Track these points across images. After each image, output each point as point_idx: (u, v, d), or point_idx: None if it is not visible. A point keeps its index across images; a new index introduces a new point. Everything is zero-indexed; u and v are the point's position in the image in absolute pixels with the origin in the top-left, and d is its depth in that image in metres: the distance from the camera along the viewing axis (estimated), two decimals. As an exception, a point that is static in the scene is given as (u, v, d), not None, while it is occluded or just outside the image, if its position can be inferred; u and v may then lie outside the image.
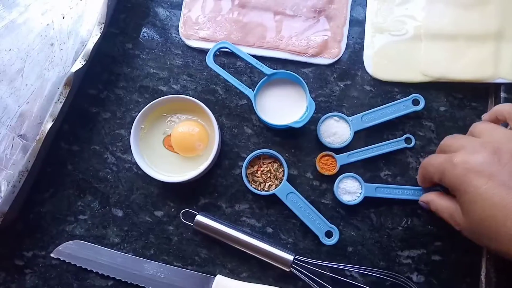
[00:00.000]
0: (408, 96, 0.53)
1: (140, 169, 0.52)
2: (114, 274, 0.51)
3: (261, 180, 0.52)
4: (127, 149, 0.55)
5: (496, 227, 0.37)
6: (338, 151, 0.53)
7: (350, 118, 0.52)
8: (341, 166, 0.52)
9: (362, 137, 0.53)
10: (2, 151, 0.55)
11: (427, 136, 0.53)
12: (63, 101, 0.51)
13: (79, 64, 0.52)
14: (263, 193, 0.51)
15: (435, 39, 0.54)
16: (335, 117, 0.53)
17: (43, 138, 0.50)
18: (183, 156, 0.53)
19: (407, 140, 0.53)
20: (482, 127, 0.44)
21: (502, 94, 0.52)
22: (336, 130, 0.52)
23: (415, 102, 0.53)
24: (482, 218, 0.38)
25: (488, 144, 0.40)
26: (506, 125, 0.45)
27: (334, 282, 0.48)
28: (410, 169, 0.53)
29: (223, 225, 0.51)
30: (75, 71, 0.51)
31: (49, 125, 0.51)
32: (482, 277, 0.50)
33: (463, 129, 0.53)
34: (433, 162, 0.45)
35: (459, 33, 0.54)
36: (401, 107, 0.53)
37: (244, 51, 0.53)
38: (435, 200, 0.46)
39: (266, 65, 0.52)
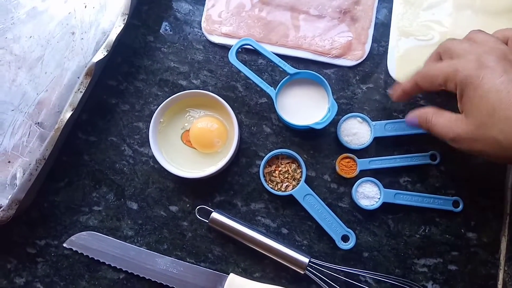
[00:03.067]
0: (433, 102, 0.53)
1: (157, 163, 0.51)
2: (126, 267, 0.51)
3: (279, 180, 0.52)
4: (145, 142, 0.54)
5: (507, 120, 0.36)
6: (355, 152, 0.52)
7: (374, 123, 0.52)
8: (360, 171, 0.52)
9: (381, 144, 0.53)
10: (19, 139, 0.55)
11: (449, 145, 0.52)
12: (83, 90, 0.51)
13: (101, 54, 0.51)
14: (280, 193, 0.51)
15: (462, 45, 0.53)
16: (358, 118, 0.52)
17: (62, 127, 0.50)
18: (201, 152, 0.52)
19: (432, 157, 0.52)
20: (486, 37, 0.42)
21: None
22: (357, 131, 0.52)
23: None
24: (494, 110, 0.36)
25: (497, 50, 0.39)
26: None
27: (348, 287, 0.48)
28: (431, 177, 0.52)
29: (238, 224, 0.50)
30: (96, 61, 0.51)
31: (68, 114, 0.50)
32: (499, 289, 0.49)
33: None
34: (438, 66, 0.42)
35: (487, 40, 0.53)
36: None
37: (267, 49, 0.52)
38: (432, 113, 0.44)
39: (288, 64, 0.52)
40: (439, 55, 0.45)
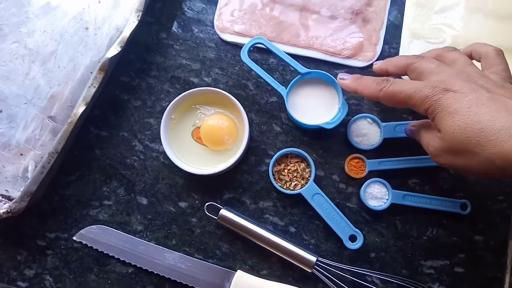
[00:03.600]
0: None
1: (167, 158, 0.52)
2: (135, 262, 0.51)
3: (287, 179, 0.52)
4: (155, 138, 0.55)
5: (484, 131, 0.35)
6: (364, 153, 0.52)
7: (384, 124, 0.52)
8: (369, 172, 0.52)
9: (390, 145, 0.53)
10: (32, 132, 0.55)
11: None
12: (96, 86, 0.51)
13: (114, 50, 0.52)
14: (289, 192, 0.51)
15: (473, 49, 0.53)
16: (368, 119, 0.52)
17: (75, 121, 0.50)
18: (211, 149, 0.53)
19: None
20: (456, 56, 0.43)
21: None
22: (367, 131, 0.52)
23: None
24: (467, 125, 0.36)
25: (463, 74, 0.40)
26: None
27: (355, 286, 0.48)
28: (439, 179, 0.52)
29: (247, 221, 0.51)
30: (110, 57, 0.51)
31: (81, 108, 0.51)
32: (505, 292, 0.49)
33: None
34: (403, 86, 0.41)
35: (498, 44, 0.52)
36: None
37: (278, 48, 0.53)
38: (419, 127, 0.45)
39: (300, 64, 0.52)
40: (406, 68, 0.44)
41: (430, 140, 0.41)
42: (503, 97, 0.37)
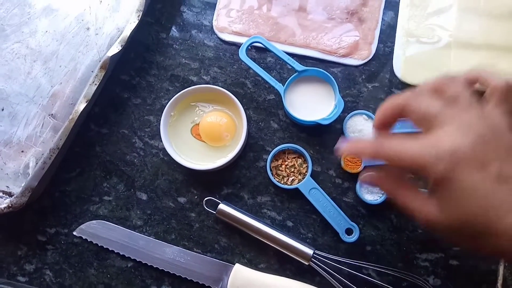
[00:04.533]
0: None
1: (166, 155, 0.53)
2: (135, 256, 0.52)
3: (285, 174, 0.53)
4: (155, 135, 0.56)
5: (487, 223, 0.31)
6: (360, 151, 0.53)
7: (378, 119, 0.53)
8: (365, 167, 0.53)
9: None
10: (33, 129, 0.56)
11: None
12: (97, 83, 0.53)
13: (115, 48, 0.53)
14: (286, 186, 0.52)
15: (466, 48, 0.55)
16: (364, 116, 0.54)
17: (76, 118, 0.51)
18: (210, 146, 0.54)
19: None
20: (459, 90, 0.34)
21: (529, 106, 0.53)
22: (363, 128, 0.53)
23: None
24: (470, 214, 0.31)
25: (470, 124, 0.32)
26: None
27: (351, 279, 0.49)
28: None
29: (245, 215, 0.51)
30: (111, 56, 0.53)
31: (82, 105, 0.52)
32: (499, 284, 0.50)
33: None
34: (407, 148, 0.33)
35: (491, 43, 0.55)
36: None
37: (276, 47, 0.54)
38: (398, 183, 0.36)
39: (296, 62, 0.53)
40: (400, 108, 0.36)
41: (424, 206, 0.34)
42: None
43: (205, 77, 0.58)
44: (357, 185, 0.52)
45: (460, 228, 0.32)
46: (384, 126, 0.39)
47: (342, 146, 0.38)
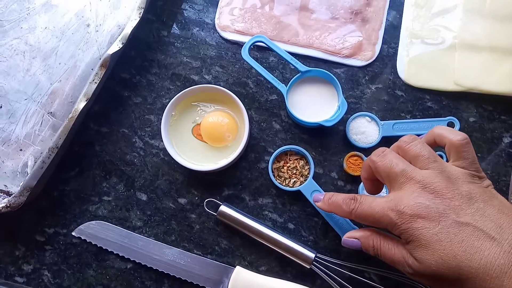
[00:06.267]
0: (439, 104, 0.54)
1: (167, 155, 0.52)
2: (134, 257, 0.51)
3: (287, 176, 0.52)
4: (156, 135, 0.55)
5: (458, 269, 0.34)
6: (363, 151, 0.53)
7: (382, 122, 0.53)
8: (368, 168, 0.52)
9: (388, 143, 0.52)
10: (32, 127, 0.55)
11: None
12: (98, 81, 0.52)
13: (116, 46, 0.52)
14: (288, 188, 0.51)
15: (471, 50, 0.54)
16: (367, 117, 0.53)
17: (75, 117, 0.51)
18: (211, 146, 0.53)
19: None
20: (418, 150, 0.39)
21: (534, 110, 0.53)
22: (366, 130, 0.53)
23: (450, 125, 0.53)
24: (444, 262, 0.35)
25: (428, 186, 0.37)
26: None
27: (352, 282, 0.48)
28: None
29: (246, 217, 0.51)
30: (111, 53, 0.52)
31: (82, 104, 0.51)
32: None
33: (491, 141, 0.53)
34: (373, 212, 0.39)
35: (495, 45, 0.54)
36: (435, 126, 0.52)
37: (279, 46, 0.53)
38: (380, 242, 0.40)
39: (300, 62, 0.53)
40: (371, 167, 0.42)
41: (405, 259, 0.38)
42: (473, 229, 0.35)
43: (206, 76, 0.57)
44: (360, 188, 0.52)
45: (435, 276, 0.36)
46: (369, 181, 0.44)
47: (318, 199, 0.45)
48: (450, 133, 0.40)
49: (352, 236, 0.43)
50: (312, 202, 0.51)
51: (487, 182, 0.38)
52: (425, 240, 0.36)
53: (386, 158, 0.40)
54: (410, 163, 0.39)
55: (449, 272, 0.35)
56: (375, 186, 0.44)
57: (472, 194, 0.36)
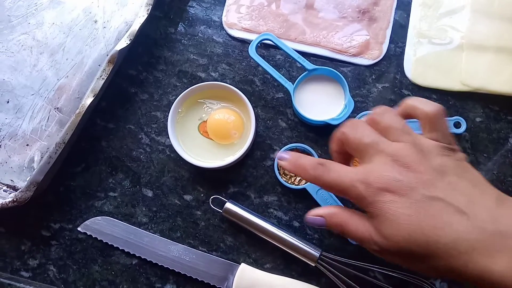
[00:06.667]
0: (446, 104, 0.54)
1: (173, 152, 0.52)
2: (140, 253, 0.51)
3: (292, 174, 0.52)
4: (162, 131, 0.55)
5: (430, 244, 0.33)
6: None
7: (389, 120, 0.52)
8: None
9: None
10: (38, 122, 0.56)
11: (461, 146, 0.53)
12: (105, 78, 0.52)
13: (124, 43, 0.52)
14: (294, 186, 0.51)
15: (478, 50, 0.54)
16: (374, 117, 0.53)
17: (82, 112, 0.51)
18: (217, 143, 0.53)
19: None
20: (389, 121, 0.37)
21: (541, 110, 0.53)
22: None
23: (457, 124, 0.52)
24: (411, 238, 0.33)
25: (399, 159, 0.35)
26: None
27: (357, 281, 0.48)
28: (442, 176, 0.53)
29: (252, 215, 0.51)
30: (119, 50, 0.52)
31: (89, 100, 0.51)
32: (506, 290, 0.50)
33: (497, 142, 0.53)
34: (341, 181, 0.36)
35: (503, 46, 0.54)
36: None
37: (286, 44, 0.53)
38: (346, 219, 0.38)
39: (307, 60, 0.53)
40: (341, 140, 0.39)
41: (371, 236, 0.35)
42: (443, 203, 0.33)
43: (213, 74, 0.57)
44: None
45: (402, 253, 0.34)
46: (339, 154, 0.41)
47: (283, 157, 0.41)
48: (423, 104, 0.38)
49: (316, 214, 0.39)
50: (317, 200, 0.51)
51: (461, 155, 0.37)
52: (392, 215, 0.34)
53: (357, 130, 0.38)
54: (382, 135, 0.37)
55: (417, 248, 0.33)
56: (345, 160, 0.41)
57: (444, 168, 0.35)
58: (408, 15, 0.57)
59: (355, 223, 0.37)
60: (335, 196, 0.51)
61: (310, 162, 0.39)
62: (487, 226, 0.32)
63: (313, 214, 0.39)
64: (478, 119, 0.54)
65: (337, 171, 0.37)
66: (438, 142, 0.36)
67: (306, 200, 0.52)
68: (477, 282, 0.33)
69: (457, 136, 0.53)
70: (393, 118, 0.37)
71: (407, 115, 0.39)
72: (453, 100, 0.54)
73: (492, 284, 0.32)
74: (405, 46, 0.56)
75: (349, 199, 0.37)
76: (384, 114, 0.38)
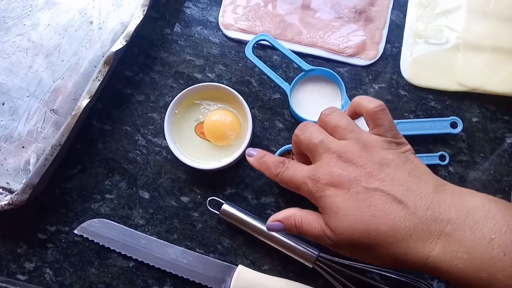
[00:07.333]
0: (443, 104, 0.54)
1: (170, 153, 0.52)
2: (137, 255, 0.51)
3: (290, 175, 0.52)
4: (158, 133, 0.55)
5: (370, 233, 0.35)
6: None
7: (385, 120, 0.52)
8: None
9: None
10: (34, 124, 0.55)
11: (458, 146, 0.53)
12: (101, 79, 0.52)
13: (119, 44, 0.52)
14: (291, 187, 0.51)
15: (474, 50, 0.54)
16: (371, 118, 0.53)
17: (78, 114, 0.50)
18: (214, 144, 0.53)
19: (441, 158, 0.53)
20: (335, 121, 0.40)
21: (537, 110, 0.53)
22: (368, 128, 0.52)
23: (453, 125, 0.52)
24: (354, 228, 0.35)
25: (343, 155, 0.38)
26: None
27: (355, 282, 0.48)
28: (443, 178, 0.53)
29: (249, 216, 0.51)
30: (115, 51, 0.52)
31: (85, 101, 0.51)
32: (503, 290, 0.50)
33: (494, 142, 0.53)
34: (295, 179, 0.40)
35: (499, 46, 0.54)
36: (438, 125, 0.52)
37: (282, 45, 0.53)
38: (301, 219, 0.40)
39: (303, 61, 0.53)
40: (295, 141, 0.43)
41: (324, 231, 0.38)
42: (380, 193, 0.35)
43: (209, 75, 0.57)
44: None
45: (349, 244, 0.36)
46: (299, 156, 0.44)
47: (251, 154, 0.45)
48: (366, 101, 0.40)
49: (274, 219, 0.42)
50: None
51: (406, 147, 0.39)
52: (336, 208, 0.36)
53: (307, 131, 0.41)
54: (330, 135, 0.40)
55: (361, 238, 0.35)
56: (305, 160, 0.43)
57: (384, 160, 0.37)
58: (404, 15, 0.57)
59: (310, 221, 0.39)
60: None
61: (272, 160, 0.42)
62: (422, 213, 0.34)
63: (272, 220, 0.42)
64: (474, 119, 0.54)
65: (293, 169, 0.40)
66: (381, 137, 0.39)
67: (303, 201, 0.52)
68: (418, 268, 0.34)
69: (454, 136, 0.53)
70: (339, 118, 0.40)
71: (355, 113, 0.42)
72: (450, 100, 0.54)
73: (430, 269, 0.34)
74: (401, 46, 0.56)
75: (304, 195, 0.40)
76: (331, 114, 0.41)
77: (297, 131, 0.42)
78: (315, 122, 0.50)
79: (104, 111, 0.56)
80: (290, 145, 0.52)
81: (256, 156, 0.45)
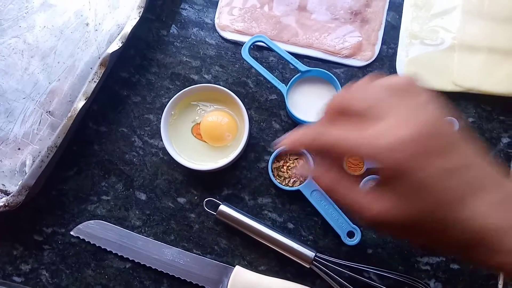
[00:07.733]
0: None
1: (166, 154, 0.52)
2: (133, 257, 0.51)
3: (286, 176, 0.52)
4: (155, 134, 0.55)
5: (444, 217, 0.29)
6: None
7: (382, 121, 0.53)
8: (367, 169, 0.52)
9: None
10: (30, 126, 0.55)
11: (454, 146, 0.54)
12: (97, 81, 0.52)
13: (115, 45, 0.52)
14: (288, 188, 0.51)
15: (470, 51, 0.55)
16: (367, 118, 0.53)
17: (74, 116, 0.50)
18: (210, 146, 0.53)
19: None
20: (407, 84, 0.33)
21: (532, 110, 0.53)
22: None
23: None
24: (427, 207, 0.29)
25: (419, 115, 0.31)
26: None
27: (352, 282, 0.49)
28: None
29: (246, 217, 0.51)
30: (111, 53, 0.52)
31: (81, 103, 0.51)
32: (500, 289, 0.50)
33: (489, 142, 0.53)
34: (355, 137, 0.30)
35: (494, 47, 0.54)
36: None
37: (279, 46, 0.53)
38: (342, 184, 0.33)
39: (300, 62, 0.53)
40: (347, 99, 0.33)
41: (373, 206, 0.31)
42: (465, 169, 0.30)
43: (206, 76, 0.57)
44: (360, 187, 0.52)
45: (414, 223, 0.30)
46: (331, 115, 0.34)
47: (280, 141, 0.36)
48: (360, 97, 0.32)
49: (302, 170, 0.36)
50: (312, 202, 0.51)
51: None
52: (417, 182, 0.29)
53: (367, 90, 0.33)
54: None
55: (430, 222, 0.30)
56: (328, 163, 0.35)
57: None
58: (400, 16, 0.57)
59: (350, 186, 0.33)
60: (333, 202, 0.51)
61: (309, 127, 0.34)
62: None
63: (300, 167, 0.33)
64: (470, 119, 0.54)
65: (345, 131, 0.31)
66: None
67: (300, 202, 0.52)
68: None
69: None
70: (408, 80, 0.34)
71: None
72: (446, 101, 0.55)
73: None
74: (397, 47, 0.56)
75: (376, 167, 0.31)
76: (396, 77, 0.34)
77: (353, 91, 0.33)
78: (312, 123, 0.50)
79: (100, 113, 0.56)
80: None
81: (287, 135, 0.35)
